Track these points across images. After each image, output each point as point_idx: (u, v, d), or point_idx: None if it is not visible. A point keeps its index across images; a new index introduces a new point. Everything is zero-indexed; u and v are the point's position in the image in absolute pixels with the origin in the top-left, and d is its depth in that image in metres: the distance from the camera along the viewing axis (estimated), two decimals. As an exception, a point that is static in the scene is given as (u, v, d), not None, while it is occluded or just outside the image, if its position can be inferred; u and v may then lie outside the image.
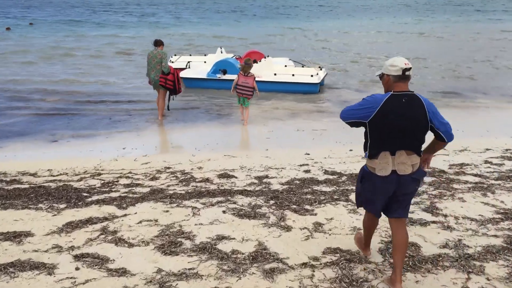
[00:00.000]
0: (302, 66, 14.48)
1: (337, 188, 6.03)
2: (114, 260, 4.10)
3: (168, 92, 10.81)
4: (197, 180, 6.61)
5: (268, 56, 14.69)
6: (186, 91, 13.16)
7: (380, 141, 3.40)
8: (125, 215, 5.19)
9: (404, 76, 3.37)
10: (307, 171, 6.89)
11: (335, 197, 5.65)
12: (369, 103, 3.38)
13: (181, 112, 11.68)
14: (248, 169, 7.10)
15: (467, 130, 9.40)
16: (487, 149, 7.96)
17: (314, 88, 13.27)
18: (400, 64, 3.37)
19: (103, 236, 4.62)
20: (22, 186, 6.49)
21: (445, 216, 5.00)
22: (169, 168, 7.34)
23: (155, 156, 8.31)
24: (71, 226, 4.87)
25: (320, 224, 4.84)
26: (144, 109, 11.91)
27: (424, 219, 4.91)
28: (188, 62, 14.95)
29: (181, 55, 16.24)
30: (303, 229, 4.73)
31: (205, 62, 15.03)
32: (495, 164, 6.99)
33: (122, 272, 3.90)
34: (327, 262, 4.03)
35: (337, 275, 3.80)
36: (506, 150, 7.91)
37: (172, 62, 15.04)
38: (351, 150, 8.02)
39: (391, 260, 3.94)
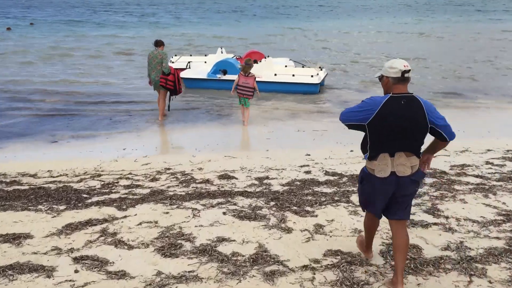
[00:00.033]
0: (303, 67, 14.46)
1: (338, 189, 6.01)
2: (113, 263, 4.08)
3: (168, 93, 10.79)
4: (197, 181, 6.58)
5: (268, 57, 14.67)
6: (187, 91, 13.14)
7: (379, 143, 3.41)
8: (125, 216, 5.17)
9: (403, 78, 3.37)
10: (308, 172, 6.86)
11: (336, 198, 5.62)
12: (368, 105, 3.38)
13: (182, 112, 11.66)
14: (249, 170, 7.08)
15: (468, 130, 9.37)
16: (488, 150, 7.93)
17: (314, 89, 13.25)
18: (399, 66, 3.37)
19: (102, 238, 4.60)
20: (22, 187, 6.47)
21: (447, 217, 4.97)
22: (169, 169, 7.31)
23: (155, 157, 8.28)
24: (71, 228, 4.84)
25: (321, 226, 4.81)
26: (144, 110, 11.89)
27: (425, 220, 4.88)
28: (189, 62, 14.93)
29: (181, 56, 16.23)
30: (303, 231, 4.70)
31: (205, 62, 15.02)
32: (497, 165, 6.96)
33: (122, 274, 3.87)
34: (328, 264, 4.00)
35: (338, 278, 3.78)
36: (507, 151, 7.88)
37: (173, 62, 15.01)
38: (351, 151, 7.99)
39: (392, 263, 3.92)
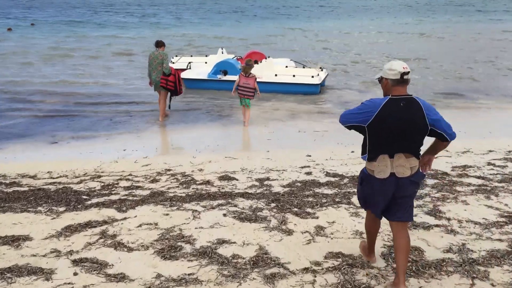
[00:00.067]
0: (303, 67, 14.43)
1: (339, 190, 5.98)
2: (113, 265, 4.05)
3: (169, 93, 10.76)
4: (197, 182, 6.55)
5: (269, 57, 14.64)
6: (187, 92, 13.11)
7: (378, 144, 3.42)
8: (125, 218, 5.14)
9: (402, 80, 3.38)
10: (309, 173, 6.83)
11: (337, 199, 5.59)
12: (368, 107, 3.39)
13: (182, 113, 11.64)
14: (249, 171, 7.05)
15: (469, 131, 9.34)
16: (490, 151, 7.89)
17: (315, 89, 13.22)
18: (399, 68, 3.37)
19: (102, 240, 4.57)
20: (22, 189, 6.44)
21: (449, 219, 4.94)
22: (169, 170, 7.28)
23: (155, 158, 8.26)
24: (70, 230, 4.82)
25: (322, 228, 4.78)
26: (144, 110, 11.87)
27: (427, 222, 4.84)
28: (189, 63, 14.91)
29: (181, 56, 16.21)
30: (304, 232, 4.67)
31: (206, 62, 15.00)
32: (498, 166, 6.93)
33: (121, 277, 3.84)
34: (329, 267, 3.97)
35: (339, 281, 3.75)
36: (509, 151, 7.85)
37: (173, 63, 14.99)
38: (352, 152, 7.95)
39: (394, 265, 3.88)
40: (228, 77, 13.25)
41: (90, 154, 8.60)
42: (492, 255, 4.12)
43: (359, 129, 3.49)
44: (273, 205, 5.43)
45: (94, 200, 5.82)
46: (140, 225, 4.91)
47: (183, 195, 5.95)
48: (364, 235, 4.38)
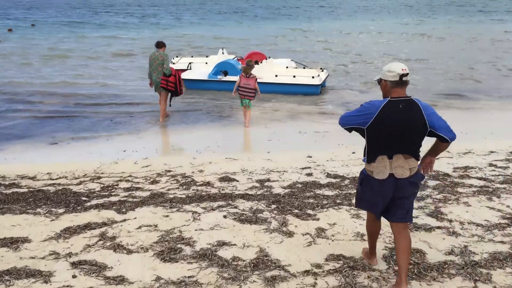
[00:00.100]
0: (304, 68, 14.39)
1: (339, 192, 5.94)
2: (112, 268, 4.01)
3: (169, 94, 10.73)
4: (197, 183, 6.52)
5: (269, 58, 14.61)
6: (187, 92, 13.09)
7: (377, 146, 3.44)
8: (124, 220, 5.10)
9: (401, 81, 3.38)
10: (309, 174, 6.80)
11: (338, 201, 5.56)
12: (367, 109, 3.41)
13: (182, 113, 11.61)
14: (250, 172, 7.01)
15: (470, 132, 9.30)
16: (492, 152, 7.85)
17: (315, 90, 13.19)
18: (397, 69, 3.38)
19: (101, 242, 4.53)
20: (21, 190, 6.41)
21: (450, 221, 4.90)
22: (169, 171, 7.25)
23: (155, 159, 8.22)
24: (69, 232, 4.78)
25: (323, 230, 4.74)
26: (145, 111, 11.85)
27: (428, 224, 4.81)
28: (190, 63, 14.89)
29: (182, 57, 16.19)
30: (305, 234, 4.64)
31: (206, 63, 14.98)
32: (500, 167, 6.88)
33: (120, 280, 3.81)
34: (330, 269, 3.93)
35: (340, 284, 3.71)
36: (511, 152, 7.80)
37: (173, 63, 14.98)
38: (353, 153, 7.92)
39: (396, 268, 3.85)
40: (228, 78, 13.23)
41: (90, 155, 8.57)
42: (494, 257, 4.09)
43: (359, 131, 3.50)
44: (273, 206, 5.40)
45: (94, 202, 5.79)
46: (139, 227, 4.88)
47: (183, 196, 5.92)
48: (365, 237, 4.35)
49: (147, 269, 4.00)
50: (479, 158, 7.48)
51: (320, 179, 6.56)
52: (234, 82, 10.57)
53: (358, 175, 6.50)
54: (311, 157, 7.82)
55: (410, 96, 3.42)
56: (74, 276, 3.87)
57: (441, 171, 6.66)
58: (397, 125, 3.32)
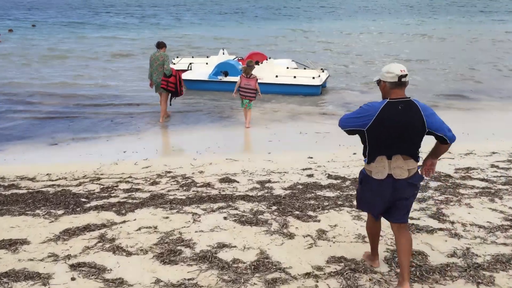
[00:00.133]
0: (304, 69, 14.35)
1: (341, 193, 5.90)
2: (111, 270, 3.97)
3: (170, 94, 10.70)
4: (198, 184, 6.49)
5: (270, 58, 14.57)
6: (188, 93, 13.05)
7: (377, 146, 3.44)
8: (124, 221, 5.07)
9: (400, 82, 3.38)
10: (310, 176, 6.76)
11: (339, 202, 5.52)
12: (366, 111, 3.41)
13: (183, 114, 11.59)
14: (250, 173, 6.98)
15: (472, 133, 9.27)
16: (493, 153, 7.81)
17: (315, 90, 13.15)
18: (396, 71, 3.38)
19: (100, 244, 4.50)
20: (20, 192, 6.38)
21: (452, 223, 4.86)
22: (169, 172, 7.22)
23: (155, 159, 8.19)
24: (68, 234, 4.75)
25: (324, 231, 4.71)
26: (145, 112, 11.82)
27: (430, 226, 4.77)
28: (190, 64, 14.86)
29: (182, 57, 16.16)
30: (306, 236, 4.60)
31: (206, 63, 14.94)
32: (502, 168, 6.84)
33: (119, 282, 3.77)
34: (331, 272, 3.89)
35: (341, 286, 3.67)
36: (513, 153, 7.77)
37: (174, 64, 14.95)
38: (354, 154, 7.88)
39: (398, 270, 3.81)
40: (229, 78, 13.20)
41: (90, 156, 8.54)
42: (497, 259, 4.05)
43: (359, 133, 3.50)
44: (274, 208, 5.36)
45: (93, 203, 5.75)
46: (139, 229, 4.85)
47: (183, 197, 5.88)
48: (367, 239, 4.31)
49: (146, 271, 3.96)
50: (481, 159, 7.44)
51: (321, 180, 6.53)
52: (235, 82, 10.54)
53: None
54: (312, 158, 7.78)
55: (410, 97, 3.42)
56: (73, 279, 3.83)
57: (442, 172, 6.62)
58: (396, 126, 3.33)
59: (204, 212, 5.28)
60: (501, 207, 5.29)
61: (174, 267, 4.01)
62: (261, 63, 13.74)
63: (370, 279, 3.77)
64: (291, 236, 4.60)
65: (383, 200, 3.53)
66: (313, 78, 13.06)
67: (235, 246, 4.39)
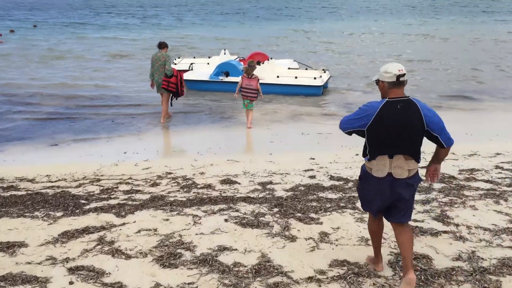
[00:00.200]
0: (306, 69, 14.27)
1: (343, 195, 5.82)
2: (110, 274, 3.90)
3: (171, 95, 10.64)
4: (198, 186, 6.41)
5: (271, 58, 14.51)
6: (189, 93, 12.99)
7: (377, 146, 3.44)
8: (123, 223, 5.00)
9: (398, 82, 3.39)
10: (312, 177, 6.68)
11: (342, 204, 5.44)
12: (365, 111, 3.43)
13: (184, 114, 11.52)
14: (252, 175, 6.90)
15: (475, 133, 9.18)
16: (498, 154, 7.73)
17: (317, 91, 13.07)
18: (394, 70, 3.38)
19: (99, 246, 4.43)
20: (19, 193, 6.32)
21: (457, 225, 4.78)
22: (170, 173, 7.15)
23: (156, 160, 8.12)
24: (67, 236, 4.68)
25: (326, 234, 4.63)
26: (146, 112, 11.75)
27: (435, 228, 4.69)
28: (191, 64, 14.79)
29: (183, 57, 16.10)
30: (308, 239, 4.52)
31: (208, 64, 14.88)
32: (507, 170, 6.76)
33: (118, 286, 3.69)
34: (334, 276, 3.81)
35: (345, 291, 3.60)
36: (517, 154, 7.68)
37: (175, 64, 14.89)
38: (357, 155, 7.80)
39: (402, 274, 3.73)
40: (230, 79, 13.13)
41: (90, 157, 8.48)
42: (503, 263, 3.96)
43: (360, 133, 3.52)
44: (275, 210, 5.29)
45: (93, 205, 5.68)
46: (139, 231, 4.77)
47: (184, 199, 5.81)
48: (370, 242, 4.23)
49: (146, 275, 3.89)
50: (485, 160, 7.35)
51: (323, 181, 6.45)
52: (236, 83, 10.46)
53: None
54: (313, 159, 7.70)
55: (409, 96, 3.43)
56: (71, 283, 3.76)
57: (446, 174, 6.53)
58: (395, 125, 3.34)
59: (205, 214, 5.21)
60: (506, 209, 5.20)
61: (174, 270, 3.94)
62: (263, 63, 13.66)
63: (374, 284, 3.69)
64: (293, 238, 4.52)
65: (383, 199, 3.53)
66: (315, 78, 12.98)
67: (236, 249, 4.31)
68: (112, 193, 6.25)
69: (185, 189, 6.28)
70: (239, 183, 6.47)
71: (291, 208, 5.32)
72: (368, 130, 3.42)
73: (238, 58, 15.02)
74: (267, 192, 6.04)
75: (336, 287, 3.65)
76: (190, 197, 5.89)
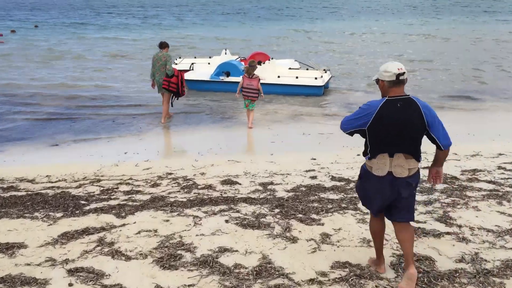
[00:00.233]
0: (307, 69, 14.23)
1: (345, 195, 5.78)
2: (109, 275, 3.87)
3: (172, 94, 10.61)
4: (199, 186, 6.38)
5: (272, 59, 14.47)
6: (189, 93, 12.96)
7: (377, 144, 3.45)
8: (124, 224, 4.96)
9: (398, 81, 3.40)
10: (314, 177, 6.64)
11: (343, 205, 5.40)
12: (365, 111, 3.45)
13: (184, 115, 11.49)
14: (252, 175, 6.87)
15: (477, 134, 9.14)
16: (500, 154, 7.68)
17: (318, 91, 13.03)
18: (393, 69, 3.39)
19: (99, 248, 4.39)
20: (19, 194, 6.28)
21: (460, 226, 4.74)
22: (170, 174, 7.12)
23: (157, 161, 8.09)
24: (67, 237, 4.64)
25: (328, 235, 4.59)
26: (146, 113, 11.72)
27: (437, 230, 4.64)
28: (192, 64, 14.76)
29: (184, 57, 16.07)
30: (309, 240, 4.48)
31: (209, 64, 14.85)
32: (509, 170, 6.71)
33: (118, 288, 3.67)
34: (336, 278, 3.77)
35: (347, 293, 3.56)
36: (520, 155, 7.64)
37: (176, 64, 14.86)
38: (358, 155, 7.75)
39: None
40: (230, 79, 13.09)
41: (90, 157, 8.45)
42: (507, 265, 3.92)
43: (361, 133, 3.53)
44: (277, 210, 5.25)
45: (93, 206, 5.65)
46: (139, 232, 4.74)
47: (184, 200, 5.78)
48: (372, 243, 4.19)
49: (146, 276, 3.85)
50: (488, 160, 7.30)
51: (325, 182, 6.41)
52: (236, 83, 10.42)
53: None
54: (315, 159, 7.66)
55: (409, 95, 3.43)
56: (70, 284, 3.72)
57: (449, 174, 6.49)
58: (395, 124, 3.35)
59: (205, 215, 5.17)
60: (509, 210, 5.16)
61: (174, 272, 3.90)
62: (264, 63, 13.63)
63: (376, 286, 3.65)
64: (294, 240, 4.48)
65: (383, 198, 3.53)
66: (316, 78, 12.94)
67: (236, 251, 4.27)
68: (112, 193, 6.21)
69: (185, 190, 6.24)
70: (240, 184, 6.44)
71: (292, 209, 5.28)
72: (368, 129, 3.43)
73: (239, 58, 14.98)
74: (268, 192, 6.00)
75: (338, 289, 3.61)
76: (191, 198, 5.86)
